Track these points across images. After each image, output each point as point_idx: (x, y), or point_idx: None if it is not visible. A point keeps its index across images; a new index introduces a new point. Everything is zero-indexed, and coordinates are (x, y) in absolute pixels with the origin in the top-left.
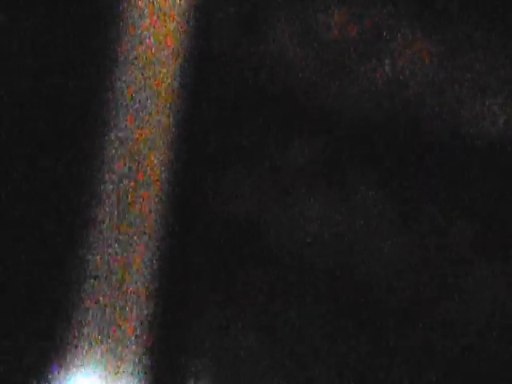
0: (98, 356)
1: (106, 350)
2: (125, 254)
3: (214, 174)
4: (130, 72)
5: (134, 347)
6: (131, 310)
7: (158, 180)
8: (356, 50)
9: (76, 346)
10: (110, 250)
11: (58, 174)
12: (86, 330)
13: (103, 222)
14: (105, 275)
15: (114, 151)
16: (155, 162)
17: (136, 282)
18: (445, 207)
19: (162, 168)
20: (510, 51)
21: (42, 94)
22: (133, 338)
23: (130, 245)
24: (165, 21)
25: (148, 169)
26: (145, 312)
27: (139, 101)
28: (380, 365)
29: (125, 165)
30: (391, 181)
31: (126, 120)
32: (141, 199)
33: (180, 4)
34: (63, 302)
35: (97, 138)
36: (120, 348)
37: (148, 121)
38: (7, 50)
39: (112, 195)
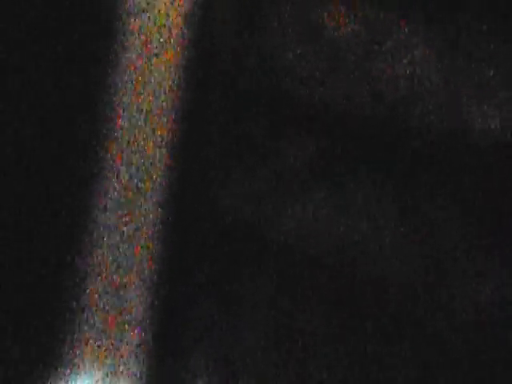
0: (98, 357)
1: (106, 351)
2: (125, 255)
3: (213, 174)
4: (129, 73)
5: (134, 347)
6: (131, 311)
7: (156, 180)
8: (355, 49)
9: (76, 347)
10: (110, 252)
11: (57, 172)
12: (85, 331)
13: (103, 224)
14: (105, 277)
15: (113, 152)
16: (154, 162)
17: (136, 283)
18: (444, 206)
19: (161, 169)
20: (510, 51)
21: (36, 91)
22: (133, 339)
23: (131, 245)
24: (166, 20)
25: (147, 169)
26: (145, 313)
27: (138, 101)
28: (381, 363)
29: (124, 166)
30: (391, 180)
31: (126, 121)
32: (141, 200)
33: (181, 2)
34: (63, 303)
35: (95, 139)
36: (120, 348)
37: (148, 121)
38: (5, 46)
39: (112, 197)
